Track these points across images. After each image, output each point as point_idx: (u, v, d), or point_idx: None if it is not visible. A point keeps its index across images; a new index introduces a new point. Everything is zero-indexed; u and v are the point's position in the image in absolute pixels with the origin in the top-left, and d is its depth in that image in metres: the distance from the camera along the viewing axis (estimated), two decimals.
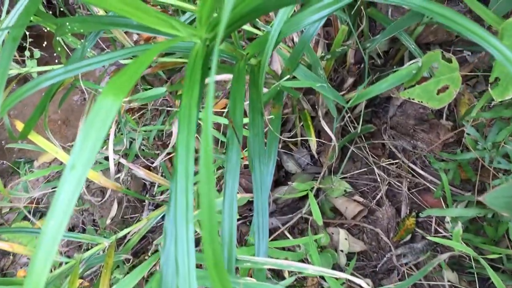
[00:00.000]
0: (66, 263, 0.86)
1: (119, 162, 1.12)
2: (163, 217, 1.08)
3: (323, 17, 0.63)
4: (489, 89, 0.68)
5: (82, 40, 0.83)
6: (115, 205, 1.43)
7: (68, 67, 0.59)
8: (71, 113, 1.97)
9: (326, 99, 0.95)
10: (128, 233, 1.08)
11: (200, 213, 0.29)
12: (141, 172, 0.99)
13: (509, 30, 0.69)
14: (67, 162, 0.33)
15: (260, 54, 0.70)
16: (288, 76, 0.87)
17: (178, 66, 1.15)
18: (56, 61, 1.84)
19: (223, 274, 0.30)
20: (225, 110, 0.98)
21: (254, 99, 0.68)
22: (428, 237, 0.86)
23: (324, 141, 1.13)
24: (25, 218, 1.71)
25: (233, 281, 0.56)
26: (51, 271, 0.98)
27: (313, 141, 0.99)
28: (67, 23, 0.63)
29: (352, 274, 0.96)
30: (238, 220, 1.16)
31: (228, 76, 0.76)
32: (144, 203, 1.33)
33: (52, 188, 1.73)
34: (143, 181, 1.35)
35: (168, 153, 1.26)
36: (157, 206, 1.31)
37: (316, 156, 1.12)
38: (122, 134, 1.12)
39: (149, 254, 1.03)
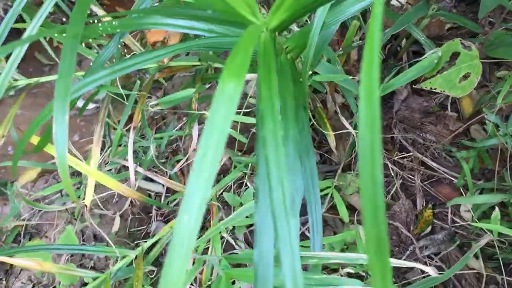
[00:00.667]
0: (94, 278, 0.82)
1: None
2: None
3: (364, 6, 0.63)
4: None
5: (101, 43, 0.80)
6: (118, 219, 1.39)
7: (115, 67, 0.56)
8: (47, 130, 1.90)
9: (346, 93, 0.94)
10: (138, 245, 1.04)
11: (362, 190, 0.27)
12: (160, 180, 0.95)
13: None
14: (197, 153, 0.30)
15: (296, 48, 0.69)
16: (310, 72, 0.86)
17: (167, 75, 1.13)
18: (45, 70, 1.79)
19: (386, 265, 0.28)
20: (241, 111, 0.96)
21: (297, 94, 0.66)
22: (473, 224, 0.86)
23: (335, 138, 1.12)
24: (15, 241, 1.63)
25: (308, 277, 0.54)
26: None
27: (331, 137, 0.98)
28: (99, 24, 0.60)
29: None
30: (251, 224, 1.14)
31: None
32: (151, 214, 1.29)
33: (39, 210, 1.67)
34: (148, 192, 1.31)
35: (177, 161, 1.23)
36: (166, 217, 1.27)
37: (335, 152, 1.11)
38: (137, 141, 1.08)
39: None
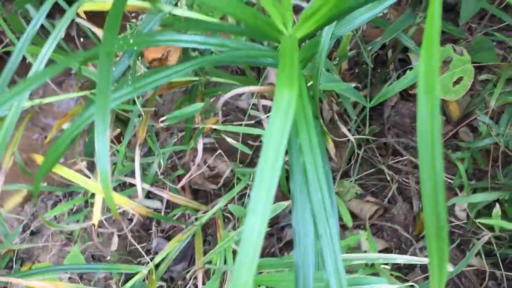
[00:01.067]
0: None
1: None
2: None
3: (373, 15, 0.66)
4: None
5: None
6: (116, 238, 1.38)
7: (137, 84, 0.57)
8: (34, 153, 1.88)
9: (344, 100, 0.97)
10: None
11: (422, 178, 0.30)
12: (165, 196, 0.96)
13: None
14: (261, 160, 0.32)
15: (304, 60, 0.72)
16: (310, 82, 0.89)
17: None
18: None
19: (444, 249, 0.30)
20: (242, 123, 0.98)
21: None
22: (475, 221, 0.90)
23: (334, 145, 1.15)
24: (6, 266, 1.60)
25: None
26: None
27: (330, 144, 1.01)
28: (120, 39, 0.61)
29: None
30: None
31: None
32: (150, 231, 1.29)
33: (30, 234, 1.64)
34: (147, 208, 1.31)
35: (177, 176, 1.24)
36: (166, 232, 1.27)
37: (334, 159, 1.14)
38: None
39: (188, 277, 1.00)
